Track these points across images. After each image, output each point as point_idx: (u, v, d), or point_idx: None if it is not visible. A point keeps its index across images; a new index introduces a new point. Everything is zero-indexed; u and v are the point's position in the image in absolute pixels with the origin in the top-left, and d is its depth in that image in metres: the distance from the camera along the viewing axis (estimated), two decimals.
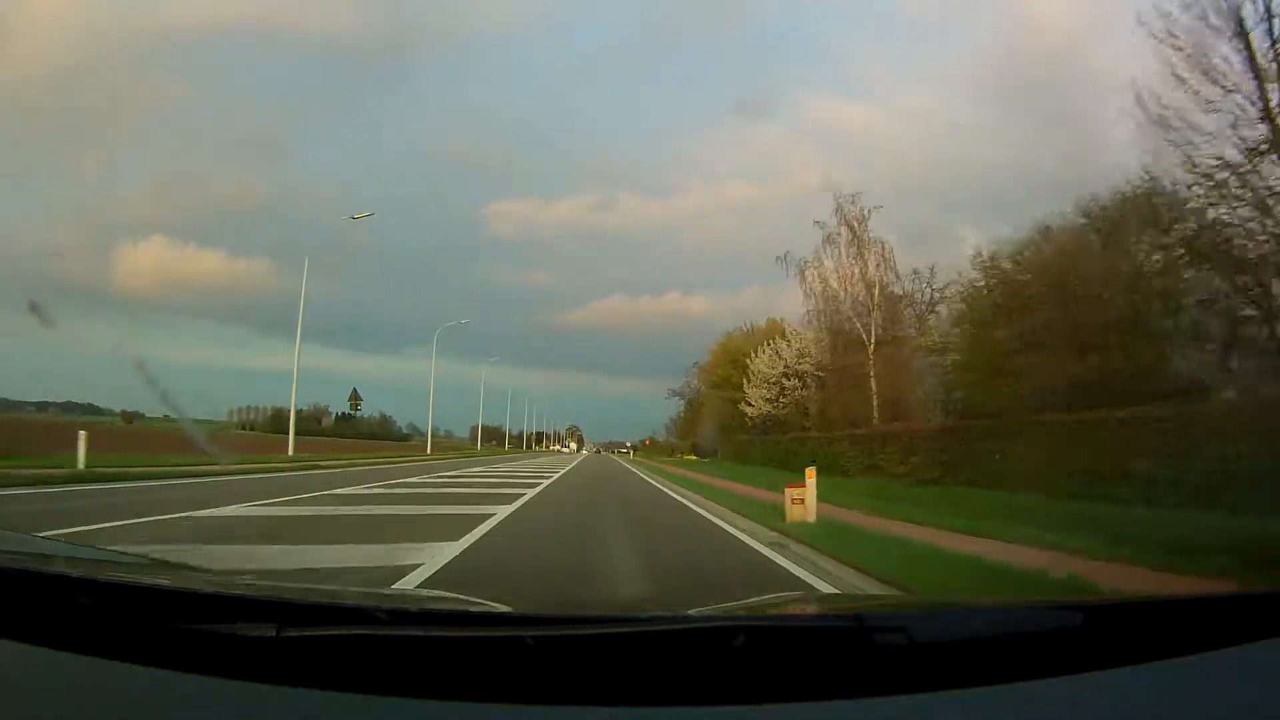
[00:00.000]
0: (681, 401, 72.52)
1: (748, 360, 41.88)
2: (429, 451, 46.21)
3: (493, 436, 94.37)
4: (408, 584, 4.91)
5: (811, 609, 1.81)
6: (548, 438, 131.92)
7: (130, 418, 63.12)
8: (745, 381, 41.56)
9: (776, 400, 39.24)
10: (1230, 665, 1.01)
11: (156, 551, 4.20)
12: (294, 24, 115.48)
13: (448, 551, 6.49)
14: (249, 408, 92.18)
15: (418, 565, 5.69)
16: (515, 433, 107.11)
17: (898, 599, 3.91)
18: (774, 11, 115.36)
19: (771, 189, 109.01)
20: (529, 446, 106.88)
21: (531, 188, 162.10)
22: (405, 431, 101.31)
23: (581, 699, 0.87)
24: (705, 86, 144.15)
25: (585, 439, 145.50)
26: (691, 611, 1.21)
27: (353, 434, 77.95)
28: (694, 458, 56.65)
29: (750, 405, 40.83)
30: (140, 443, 23.93)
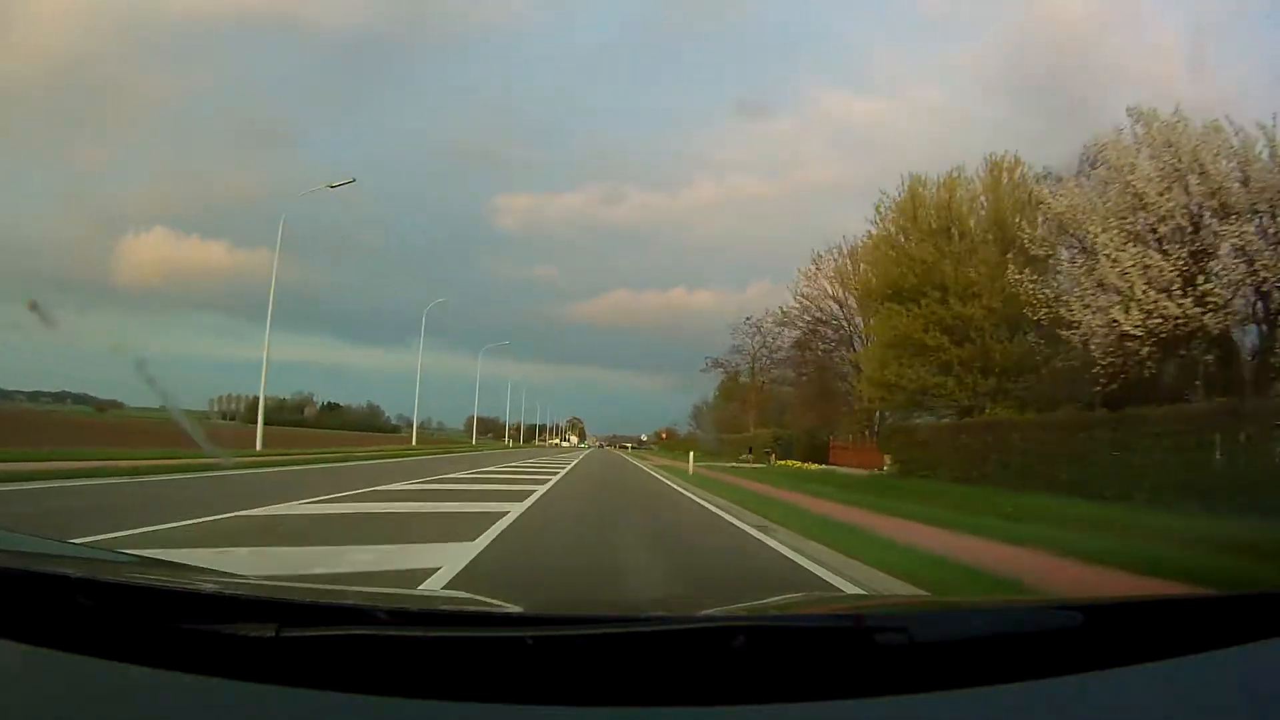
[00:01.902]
0: (722, 375, 55.19)
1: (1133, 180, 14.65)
2: (259, 448, 24.08)
3: (488, 429, 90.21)
4: None
5: (812, 609, 1.81)
6: (547, 430, 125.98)
7: (103, 407, 62.35)
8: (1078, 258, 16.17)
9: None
10: (1230, 665, 1.01)
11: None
12: (301, 14, 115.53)
13: None
14: (229, 397, 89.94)
15: None
16: (514, 424, 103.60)
17: (898, 599, 3.92)
18: (784, 5, 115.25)
19: (780, 184, 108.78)
20: (521, 441, 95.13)
21: (538, 181, 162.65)
22: (395, 423, 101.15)
23: (582, 699, 0.87)
24: (714, 81, 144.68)
25: (588, 432, 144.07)
26: (692, 612, 1.21)
27: (337, 424, 76.52)
28: (805, 465, 29.31)
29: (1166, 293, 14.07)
30: (110, 435, 22.23)
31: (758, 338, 49.37)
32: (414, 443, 43.99)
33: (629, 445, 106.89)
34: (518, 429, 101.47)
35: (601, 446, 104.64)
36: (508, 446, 70.76)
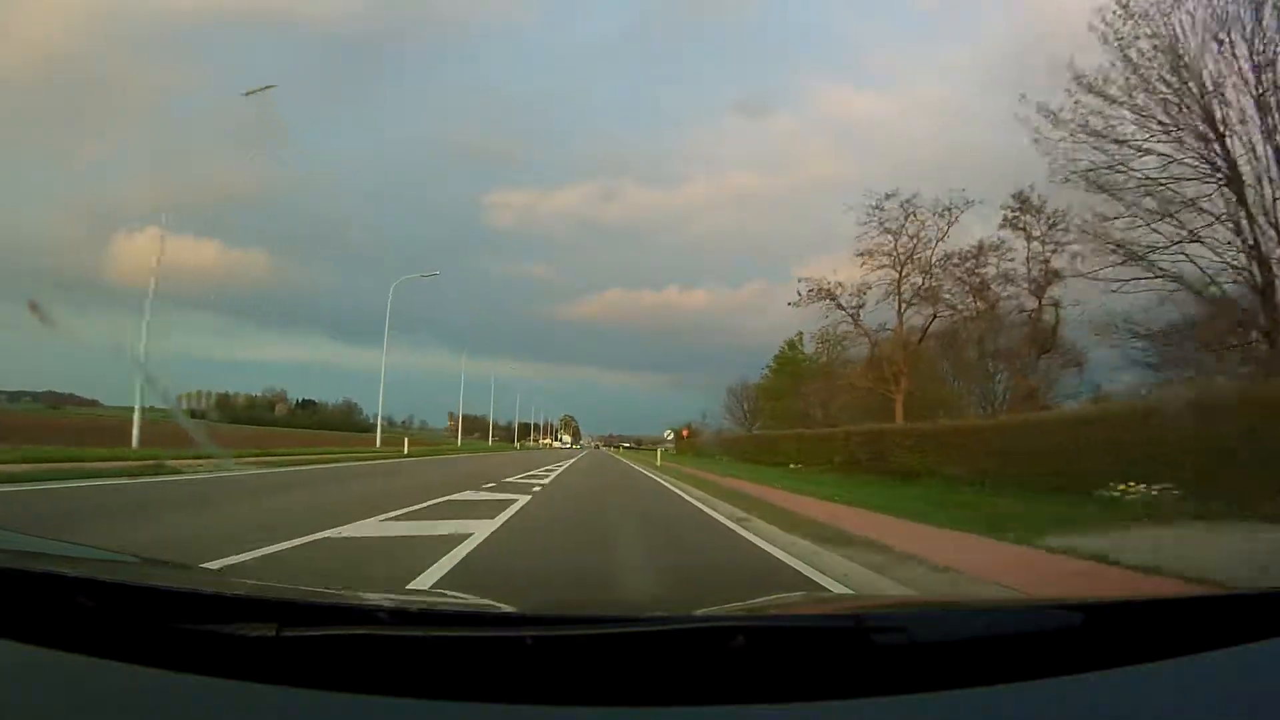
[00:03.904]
0: (826, 314, 30.05)
1: None
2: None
3: (475, 428, 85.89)
4: None
5: (811, 609, 1.81)
6: (539, 430, 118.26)
7: (57, 404, 60.24)
8: None
9: None
10: (1230, 665, 1.01)
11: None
12: (294, 9, 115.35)
13: None
14: (197, 394, 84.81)
15: None
16: (504, 423, 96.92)
17: (898, 599, 3.92)
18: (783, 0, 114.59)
19: (778, 180, 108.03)
20: (491, 440, 79.13)
21: (534, 178, 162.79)
22: (371, 421, 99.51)
23: (581, 699, 0.87)
24: (712, 76, 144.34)
25: (582, 432, 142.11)
26: (691, 612, 1.21)
27: (310, 423, 73.55)
28: None
29: None
30: (65, 434, 20.76)
31: (903, 237, 27.23)
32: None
33: (624, 446, 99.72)
34: (510, 428, 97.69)
35: (597, 448, 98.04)
36: (438, 453, 35.91)
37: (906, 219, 27.82)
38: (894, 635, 0.98)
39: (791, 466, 24.29)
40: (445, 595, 2.55)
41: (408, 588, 4.61)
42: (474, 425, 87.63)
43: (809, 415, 37.04)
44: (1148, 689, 0.96)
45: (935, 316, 28.13)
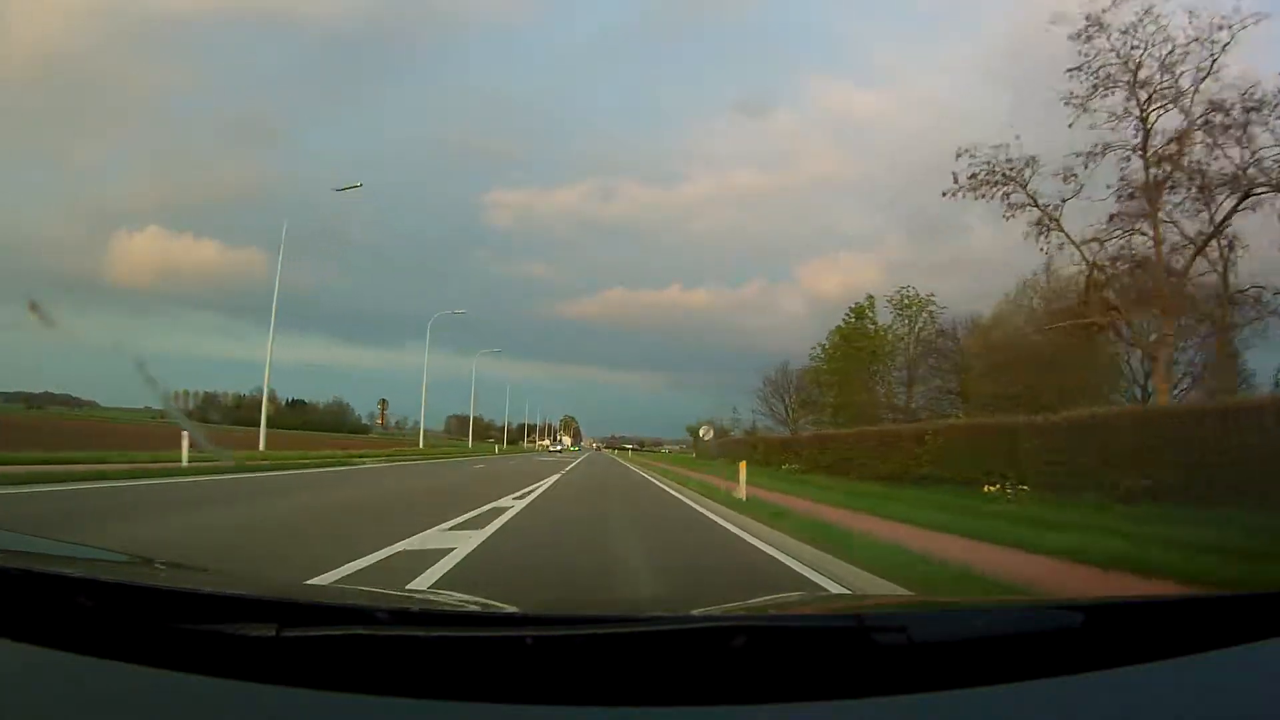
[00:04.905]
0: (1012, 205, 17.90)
1: None
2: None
3: (476, 430, 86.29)
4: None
5: (812, 609, 1.81)
6: (537, 431, 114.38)
7: (38, 404, 59.74)
8: None
9: None
10: (1230, 665, 1.01)
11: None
12: (292, 8, 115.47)
13: None
14: (181, 393, 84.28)
15: None
16: (501, 425, 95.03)
17: (898, 599, 3.92)
18: None
19: (779, 178, 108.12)
20: (471, 441, 72.60)
21: (533, 177, 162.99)
22: (365, 422, 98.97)
23: (581, 699, 0.87)
24: (711, 74, 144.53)
25: (583, 433, 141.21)
26: (691, 612, 1.22)
27: (299, 423, 72.62)
28: None
29: None
30: (33, 436, 19.72)
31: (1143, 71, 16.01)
32: None
33: (624, 447, 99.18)
34: (519, 430, 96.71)
35: (599, 449, 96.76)
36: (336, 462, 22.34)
37: (1143, 45, 15.60)
38: (894, 635, 0.98)
39: (987, 490, 13.72)
40: (445, 595, 2.55)
41: (407, 587, 4.63)
42: (474, 427, 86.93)
43: (873, 406, 27.42)
44: (1148, 689, 0.96)
45: (1248, 193, 15.01)
